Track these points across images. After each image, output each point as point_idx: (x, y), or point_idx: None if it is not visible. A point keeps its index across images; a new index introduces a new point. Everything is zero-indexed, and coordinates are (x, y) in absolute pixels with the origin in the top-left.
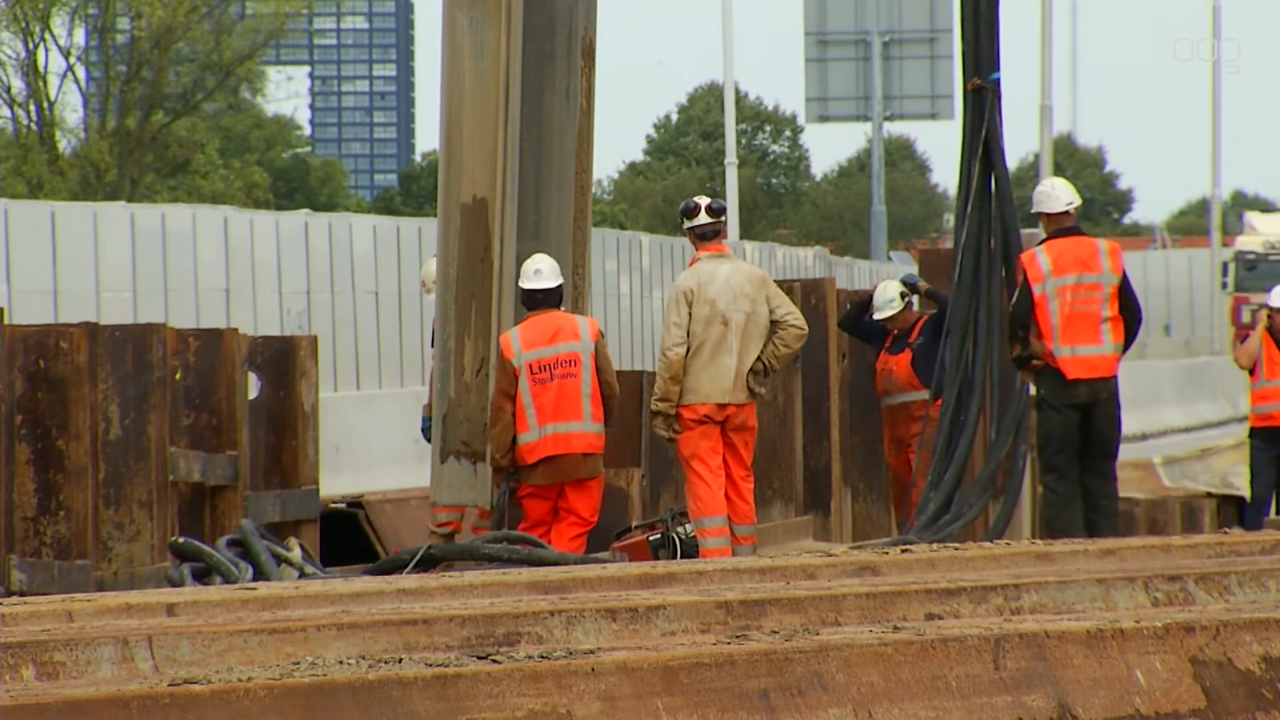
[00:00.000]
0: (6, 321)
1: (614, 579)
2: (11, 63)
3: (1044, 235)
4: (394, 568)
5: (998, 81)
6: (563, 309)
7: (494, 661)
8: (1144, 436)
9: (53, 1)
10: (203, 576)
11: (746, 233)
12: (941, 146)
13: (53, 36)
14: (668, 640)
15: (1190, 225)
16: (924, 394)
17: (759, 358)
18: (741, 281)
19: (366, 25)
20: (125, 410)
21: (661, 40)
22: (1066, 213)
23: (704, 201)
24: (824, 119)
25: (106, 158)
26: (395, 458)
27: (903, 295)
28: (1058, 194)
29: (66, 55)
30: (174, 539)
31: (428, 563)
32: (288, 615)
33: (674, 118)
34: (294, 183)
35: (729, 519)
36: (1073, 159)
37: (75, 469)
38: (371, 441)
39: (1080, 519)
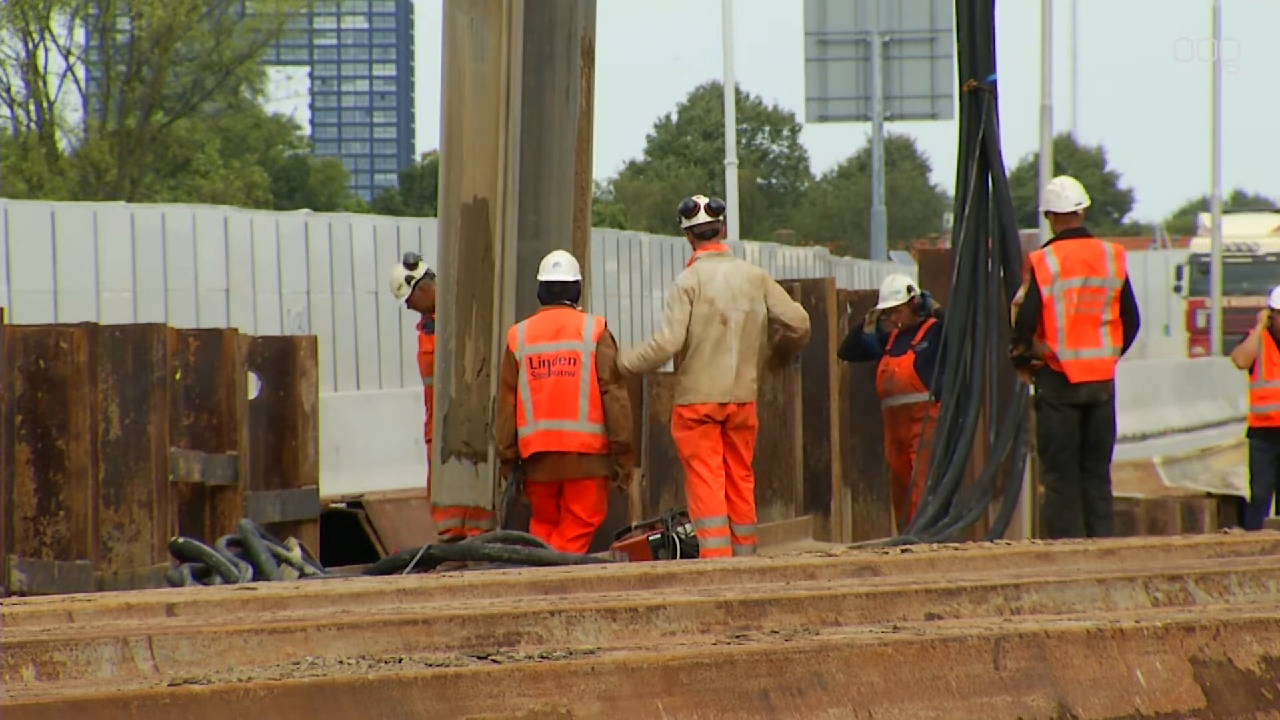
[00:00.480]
0: (6, 321)
1: (614, 579)
2: (11, 62)
3: (1049, 235)
4: (394, 568)
5: (994, 83)
6: (577, 307)
7: (494, 661)
8: (1144, 436)
9: (53, 1)
10: (203, 576)
11: (746, 233)
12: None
13: (53, 36)
14: (668, 640)
15: (1190, 225)
16: (925, 396)
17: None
18: (741, 281)
19: (366, 25)
20: (125, 410)
21: (661, 40)
22: (1075, 213)
23: (703, 201)
24: (824, 119)
25: (106, 157)
26: (395, 458)
27: (909, 289)
28: (1067, 194)
29: (66, 55)
30: (174, 539)
31: (428, 563)
32: (288, 615)
33: (674, 118)
34: (294, 183)
35: (729, 519)
36: (1073, 159)
37: (75, 469)
38: (371, 441)
39: (1082, 519)
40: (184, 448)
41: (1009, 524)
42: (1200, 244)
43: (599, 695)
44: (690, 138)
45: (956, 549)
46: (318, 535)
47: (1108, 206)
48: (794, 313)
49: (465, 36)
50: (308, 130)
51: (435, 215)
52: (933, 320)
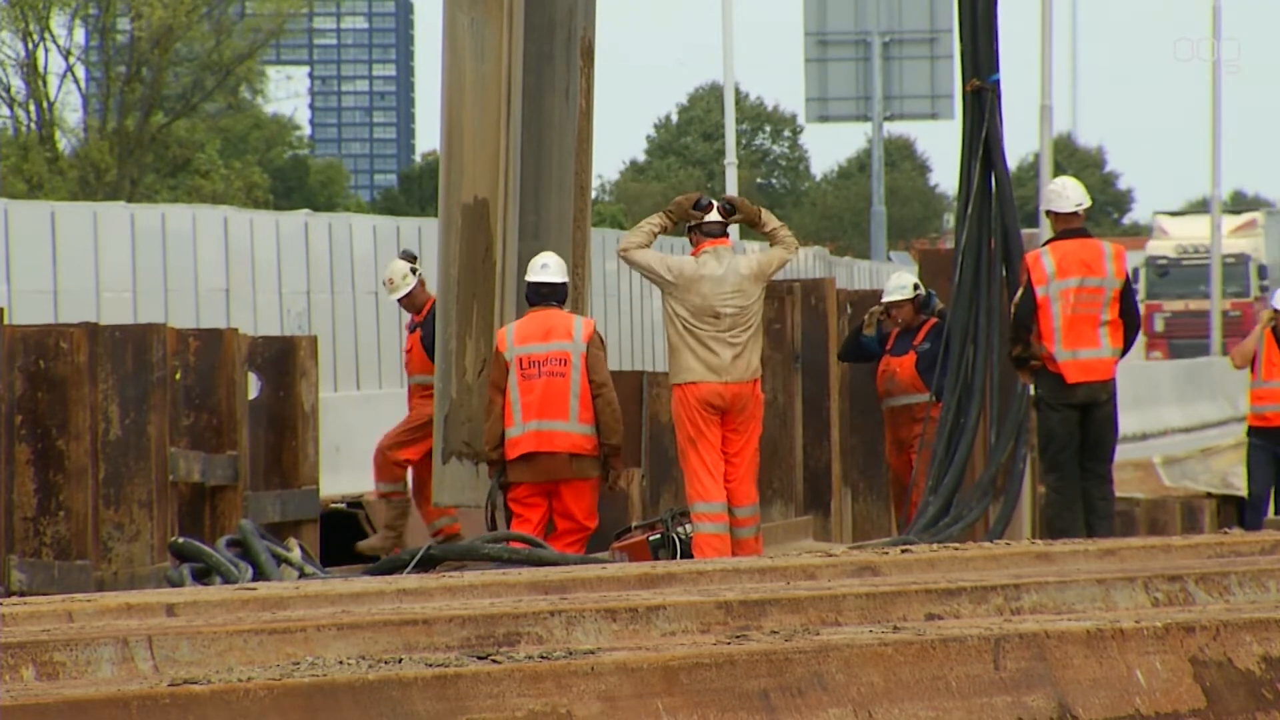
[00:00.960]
0: (6, 321)
1: (614, 579)
2: (11, 63)
3: (1049, 235)
4: (394, 568)
5: (997, 82)
6: (565, 309)
7: (494, 662)
8: (1144, 436)
9: (52, 2)
10: (202, 577)
11: (747, 233)
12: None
13: (52, 37)
14: (668, 640)
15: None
16: (926, 396)
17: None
18: (739, 279)
19: (366, 25)
20: (125, 410)
21: (661, 41)
22: (1075, 213)
23: (717, 202)
24: (824, 119)
25: (106, 158)
26: None
27: (915, 287)
28: (1068, 194)
29: (66, 55)
30: (174, 539)
31: (428, 563)
32: (288, 615)
33: (674, 118)
34: (294, 183)
35: (729, 504)
36: (1073, 159)
37: (75, 469)
38: (371, 442)
39: (1082, 519)
40: (184, 448)
41: (1009, 524)
42: (1156, 246)
43: (599, 695)
44: (690, 138)
45: (956, 549)
46: (318, 535)
47: (1108, 206)
48: (780, 252)
49: (466, 37)
50: (308, 130)
51: (435, 215)
52: (934, 320)
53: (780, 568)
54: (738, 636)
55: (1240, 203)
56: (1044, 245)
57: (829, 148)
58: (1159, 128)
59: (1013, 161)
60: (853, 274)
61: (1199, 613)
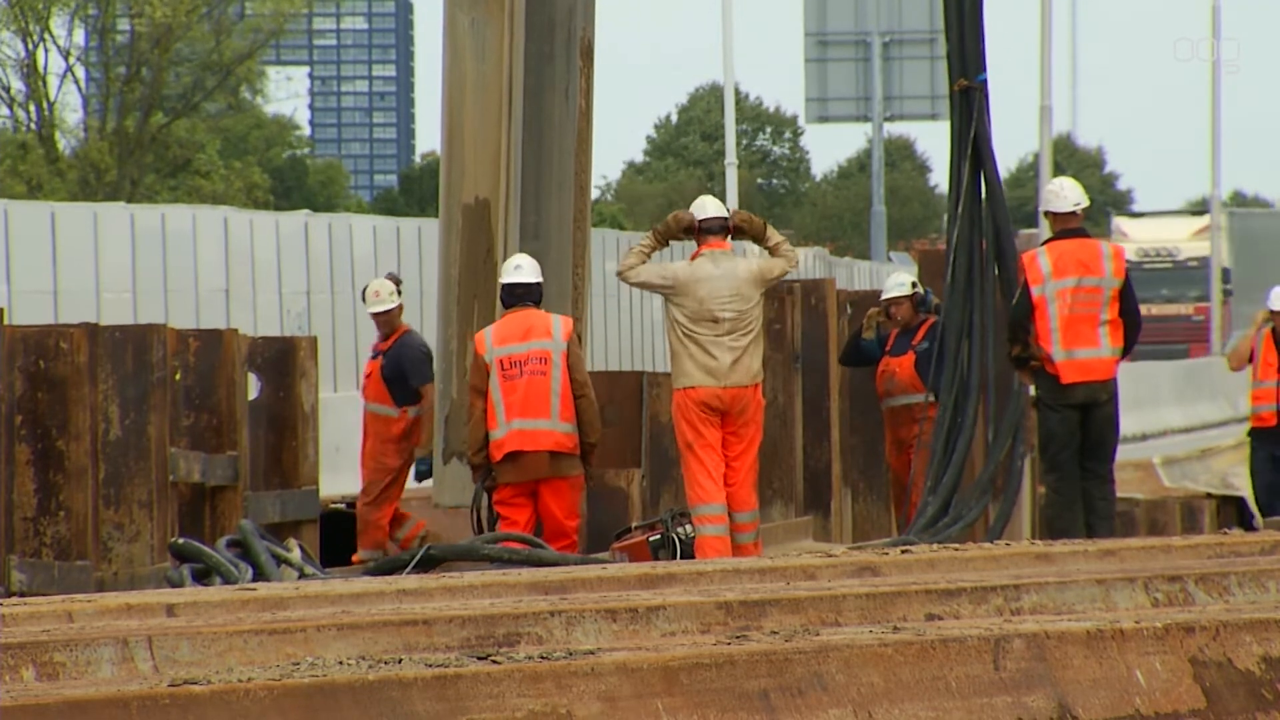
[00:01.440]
0: (6, 322)
1: (614, 579)
2: (11, 63)
3: (1048, 235)
4: (394, 568)
5: (985, 82)
6: (543, 308)
7: (494, 662)
8: (1144, 437)
9: (52, 2)
10: (202, 577)
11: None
12: (942, 147)
13: (52, 37)
14: (668, 641)
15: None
16: (926, 396)
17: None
18: (738, 283)
19: (366, 25)
20: (125, 411)
21: (661, 40)
22: (1073, 213)
23: (726, 214)
24: (824, 119)
25: (106, 158)
26: None
27: (913, 285)
28: (1066, 193)
29: (66, 56)
30: (174, 540)
31: (427, 563)
32: (288, 616)
33: (674, 118)
34: (293, 183)
35: (729, 508)
36: (1073, 159)
37: (75, 469)
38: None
39: (1082, 520)
40: (184, 448)
41: (1008, 523)
42: None
43: (599, 696)
44: (690, 139)
45: (956, 549)
46: (317, 536)
47: (1107, 207)
48: (782, 264)
49: (466, 37)
50: (307, 131)
51: (435, 216)
52: (933, 319)
53: (780, 568)
54: (738, 637)
55: (1240, 202)
56: (1041, 245)
57: (829, 148)
58: (1159, 128)
59: (1013, 161)
60: (853, 274)
61: (1199, 613)
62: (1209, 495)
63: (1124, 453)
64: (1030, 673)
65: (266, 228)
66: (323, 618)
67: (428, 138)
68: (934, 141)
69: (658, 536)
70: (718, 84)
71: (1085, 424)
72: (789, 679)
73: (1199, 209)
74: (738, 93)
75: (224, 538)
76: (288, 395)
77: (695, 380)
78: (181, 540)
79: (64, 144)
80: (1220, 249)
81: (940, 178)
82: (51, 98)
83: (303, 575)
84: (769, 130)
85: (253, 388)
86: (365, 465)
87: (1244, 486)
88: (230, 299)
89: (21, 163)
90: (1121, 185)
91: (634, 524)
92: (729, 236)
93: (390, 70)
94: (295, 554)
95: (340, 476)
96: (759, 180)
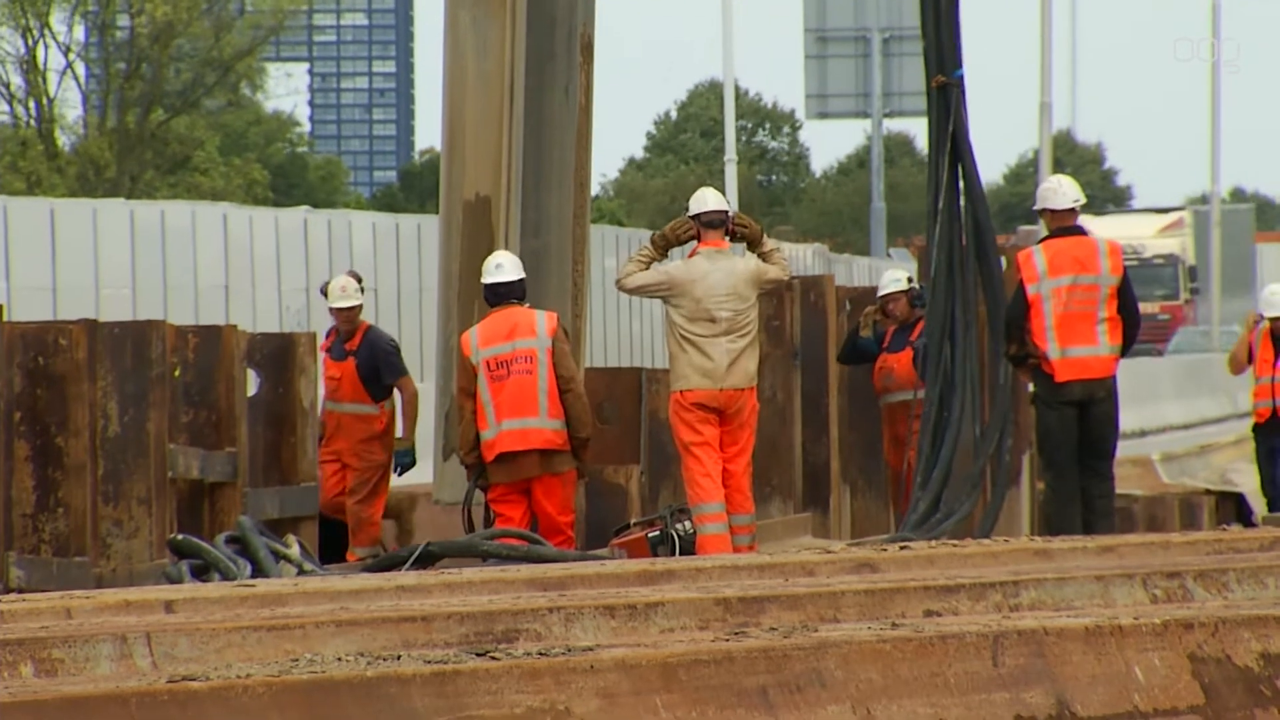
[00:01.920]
0: (6, 318)
1: (613, 576)
2: (11, 59)
3: (1045, 232)
4: (392, 565)
5: (961, 77)
6: (544, 305)
7: (492, 658)
8: (1143, 433)
9: None
10: (201, 573)
11: None
12: None
13: (52, 33)
14: (666, 637)
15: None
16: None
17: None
18: (735, 281)
19: (366, 22)
20: (124, 407)
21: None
22: (1071, 210)
23: (728, 210)
24: (824, 115)
25: (106, 154)
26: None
27: (910, 280)
28: (1064, 191)
29: (66, 52)
30: (172, 536)
31: (426, 559)
32: (286, 612)
33: (674, 115)
34: (293, 180)
35: (726, 509)
36: (1072, 155)
37: (74, 466)
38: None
39: (1080, 516)
40: (183, 444)
41: (998, 518)
42: None
43: (597, 692)
44: (689, 135)
45: (955, 546)
46: (316, 532)
47: (1107, 204)
48: (776, 270)
49: (467, 34)
50: (307, 127)
51: (435, 212)
52: None
53: (779, 564)
54: (736, 633)
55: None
56: (1037, 243)
57: (828, 144)
58: (1158, 125)
59: (1012, 157)
60: (852, 271)
61: (1197, 609)
62: (1208, 492)
63: (1123, 449)
64: (1029, 669)
65: (266, 224)
66: (321, 614)
67: (428, 134)
68: None
69: (657, 533)
70: (717, 80)
71: (1084, 421)
72: (788, 676)
73: (1163, 206)
74: (737, 89)
75: (223, 534)
76: (287, 391)
77: (692, 383)
78: (180, 537)
79: (63, 140)
80: (1187, 247)
81: None
82: (51, 94)
83: (301, 572)
84: (768, 126)
85: (252, 384)
86: (350, 464)
87: (1243, 483)
88: (229, 295)
89: (21, 159)
90: (1121, 181)
91: (633, 520)
92: (728, 235)
93: (390, 66)
94: (294, 550)
95: None
96: (759, 177)
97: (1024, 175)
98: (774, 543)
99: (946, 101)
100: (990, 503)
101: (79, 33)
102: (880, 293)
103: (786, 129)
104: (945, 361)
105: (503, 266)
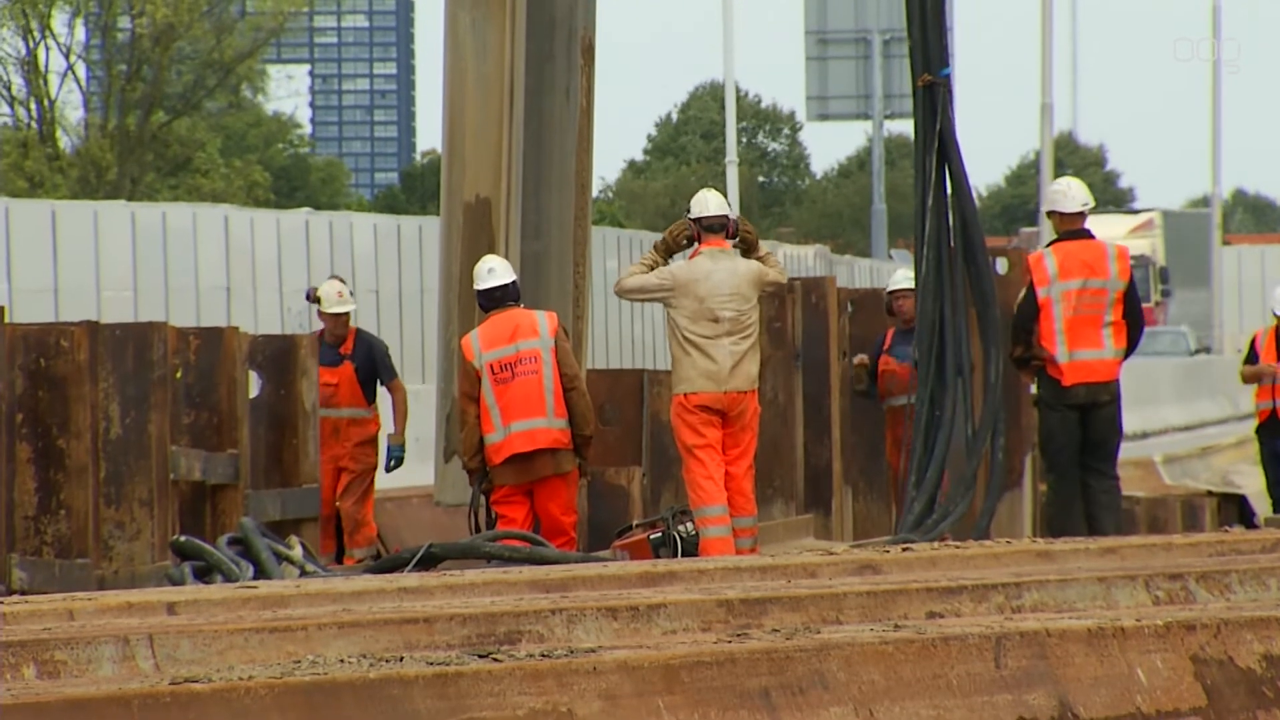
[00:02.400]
0: (7, 320)
1: (615, 577)
2: (12, 61)
3: (1051, 235)
4: (395, 566)
5: (948, 77)
6: (545, 307)
7: (495, 660)
8: (1144, 435)
9: (54, 0)
10: (204, 575)
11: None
12: None
13: (53, 35)
14: (669, 639)
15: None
16: None
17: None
18: (738, 281)
19: (367, 24)
20: (126, 409)
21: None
22: (1080, 214)
23: (729, 212)
24: (824, 117)
25: (107, 156)
26: None
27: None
28: (1073, 194)
29: (67, 54)
30: (175, 537)
31: (429, 561)
32: (289, 614)
33: (674, 117)
34: (295, 181)
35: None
36: (1074, 157)
37: (76, 467)
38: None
39: (1082, 520)
40: (185, 446)
41: (992, 519)
42: None
43: (600, 694)
44: (689, 137)
45: (957, 548)
46: (318, 534)
47: (1109, 205)
48: (775, 273)
49: (468, 36)
50: (308, 129)
51: (436, 214)
52: None
53: (781, 566)
54: (739, 635)
55: (1240, 201)
56: (1046, 246)
57: (829, 146)
58: (1160, 127)
59: (1014, 159)
60: (853, 272)
61: (1200, 611)
62: (1210, 493)
63: (1124, 451)
64: (1031, 671)
65: (267, 226)
66: (324, 616)
67: (428, 136)
68: None
69: (659, 534)
70: (718, 82)
71: (1087, 424)
72: (790, 677)
73: (1135, 209)
74: (738, 91)
75: (225, 536)
76: (288, 393)
77: (695, 385)
78: (183, 538)
79: (65, 142)
80: (1157, 248)
81: None
82: (53, 96)
83: (304, 573)
84: (768, 128)
85: (253, 386)
86: (347, 468)
87: (1245, 484)
88: (231, 297)
89: (23, 160)
90: (1123, 184)
91: (635, 522)
92: (729, 236)
93: (391, 68)
94: (297, 551)
95: None
96: (759, 178)
97: (1025, 177)
98: (776, 544)
99: (933, 100)
100: (985, 502)
101: (80, 34)
102: (889, 289)
103: (787, 131)
104: (935, 359)
105: (494, 271)
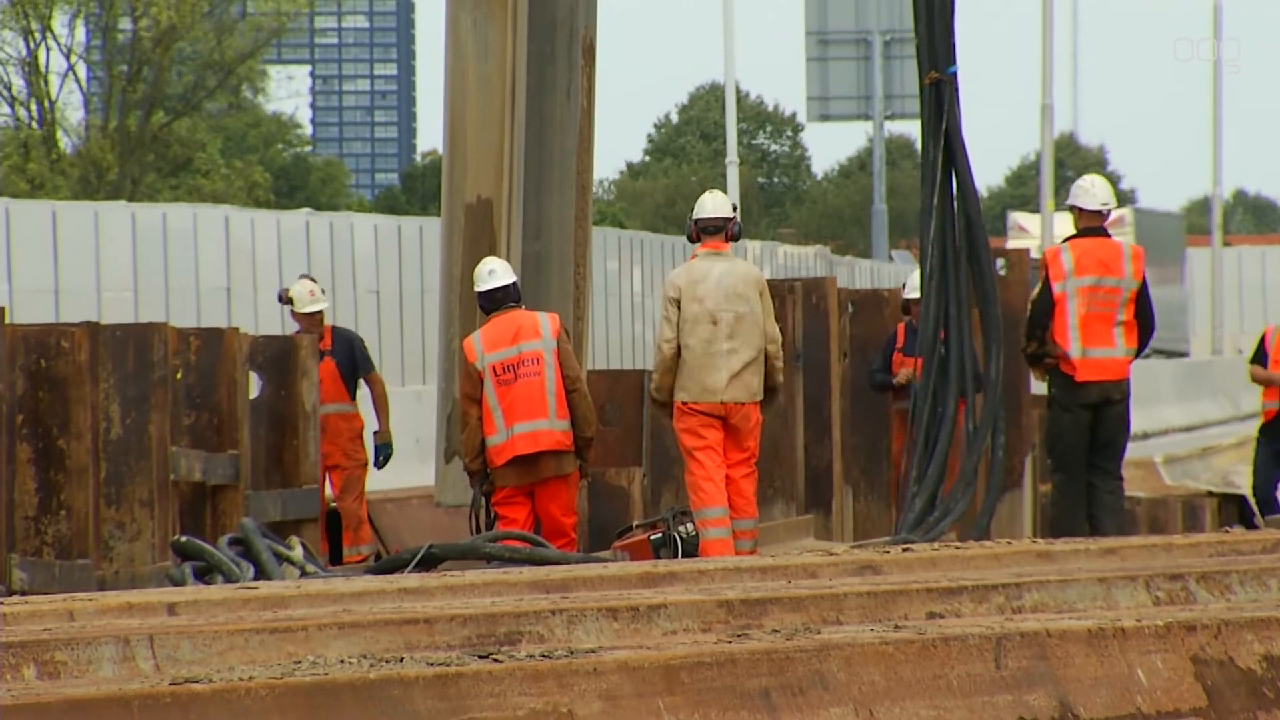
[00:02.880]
0: (8, 321)
1: (615, 578)
2: (13, 62)
3: (1070, 231)
4: (395, 567)
5: (955, 74)
6: (545, 308)
7: (495, 661)
8: (1145, 435)
9: (54, 0)
10: (204, 575)
11: (747, 232)
12: None
13: (54, 35)
14: (669, 639)
15: (1191, 224)
16: None
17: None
18: (735, 281)
19: (367, 24)
20: (126, 409)
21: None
22: (1099, 212)
23: (716, 198)
24: (825, 118)
25: (108, 157)
26: (396, 456)
27: None
28: (1095, 192)
29: (68, 54)
30: (176, 537)
31: (429, 562)
32: (289, 614)
33: (674, 118)
34: (295, 182)
35: (730, 514)
36: (1074, 157)
37: (76, 468)
38: (372, 440)
39: (1085, 521)
40: (185, 447)
41: (992, 518)
42: (1015, 245)
43: (600, 694)
44: (689, 138)
45: (958, 548)
46: (319, 534)
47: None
48: (771, 329)
49: (469, 36)
50: (309, 130)
51: (437, 214)
52: None
53: (781, 566)
54: (739, 635)
55: (1241, 201)
56: (1064, 242)
57: (830, 147)
58: (1160, 127)
59: (1015, 160)
60: (854, 273)
61: (1200, 611)
62: (1210, 494)
63: (1126, 451)
64: (1032, 671)
65: (268, 227)
66: (324, 616)
67: (429, 137)
68: None
69: (659, 535)
70: (718, 83)
71: (1097, 422)
72: (790, 678)
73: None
74: (738, 91)
75: (226, 536)
76: (289, 394)
77: (693, 395)
78: (184, 538)
79: (65, 143)
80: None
81: None
82: (53, 96)
83: (304, 574)
84: (769, 129)
85: (254, 386)
86: (339, 465)
87: (1245, 485)
88: (231, 298)
89: (25, 161)
90: (1124, 185)
91: (635, 522)
92: (728, 239)
93: (391, 69)
94: (297, 552)
95: None
96: (760, 179)
97: (1025, 178)
98: (776, 545)
99: (939, 98)
100: (985, 501)
101: (81, 35)
102: (906, 295)
103: (787, 131)
104: (939, 356)
105: (495, 272)
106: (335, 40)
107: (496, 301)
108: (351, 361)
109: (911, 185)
